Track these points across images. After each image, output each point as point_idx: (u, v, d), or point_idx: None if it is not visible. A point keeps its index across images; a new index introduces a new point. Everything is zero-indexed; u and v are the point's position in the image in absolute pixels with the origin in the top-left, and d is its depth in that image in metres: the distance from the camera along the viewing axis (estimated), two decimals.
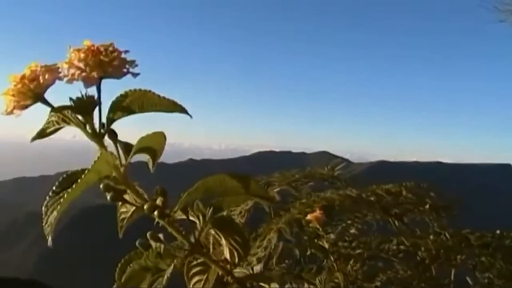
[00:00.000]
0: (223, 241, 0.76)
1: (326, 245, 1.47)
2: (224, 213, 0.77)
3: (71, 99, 0.72)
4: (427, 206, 1.48)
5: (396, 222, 1.48)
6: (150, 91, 0.73)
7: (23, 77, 0.72)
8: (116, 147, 0.72)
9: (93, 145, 0.73)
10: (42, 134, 0.74)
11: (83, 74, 0.70)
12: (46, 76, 0.72)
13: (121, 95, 0.73)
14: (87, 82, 0.70)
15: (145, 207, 0.73)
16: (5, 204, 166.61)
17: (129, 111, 0.73)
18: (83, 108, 0.72)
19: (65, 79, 0.70)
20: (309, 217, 1.46)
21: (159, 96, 0.73)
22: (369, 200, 1.48)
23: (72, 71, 0.70)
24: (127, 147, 0.73)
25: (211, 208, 0.75)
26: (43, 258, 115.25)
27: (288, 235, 1.47)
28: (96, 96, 0.73)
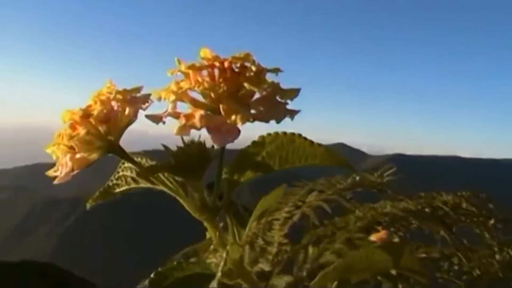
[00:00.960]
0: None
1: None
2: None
3: (167, 148, 0.51)
4: (491, 221, 1.35)
5: (448, 237, 1.33)
6: (299, 135, 0.50)
7: (87, 113, 0.49)
8: (232, 227, 0.54)
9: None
10: (107, 193, 0.58)
11: (213, 120, 0.44)
12: (127, 111, 0.50)
13: (255, 143, 0.51)
14: (224, 136, 0.45)
15: None
16: (23, 190, 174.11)
17: (264, 169, 0.52)
18: (191, 167, 0.50)
19: (165, 118, 0.47)
20: (373, 238, 1.26)
21: (311, 143, 0.50)
22: (427, 213, 1.36)
23: (187, 114, 0.46)
24: (242, 220, 0.55)
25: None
26: (62, 243, 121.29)
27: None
28: (212, 147, 0.50)
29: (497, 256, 1.32)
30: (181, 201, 0.52)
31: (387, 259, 0.57)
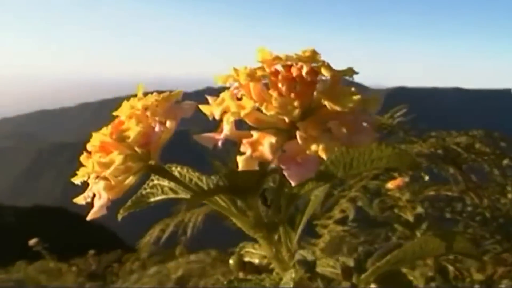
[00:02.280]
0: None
1: (411, 218, 1.31)
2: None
3: (221, 168, 0.49)
4: (505, 161, 1.41)
5: (460, 175, 1.42)
6: None
7: (122, 136, 0.45)
8: (286, 241, 0.50)
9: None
10: (140, 202, 0.57)
11: (288, 150, 0.38)
12: (168, 124, 0.47)
13: None
14: (303, 170, 0.39)
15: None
16: (29, 136, 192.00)
17: (327, 178, 0.50)
18: (247, 187, 0.47)
19: (221, 142, 0.45)
20: (390, 185, 1.34)
21: (378, 145, 0.50)
22: (440, 155, 1.40)
23: (253, 142, 0.41)
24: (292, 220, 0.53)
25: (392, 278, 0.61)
26: (69, 186, 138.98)
27: (365, 204, 1.40)
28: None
29: (510, 196, 1.35)
30: (233, 219, 0.49)
31: (440, 246, 0.58)
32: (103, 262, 4.39)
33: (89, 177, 0.51)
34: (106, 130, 0.49)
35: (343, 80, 0.46)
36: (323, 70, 0.42)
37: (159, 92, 0.52)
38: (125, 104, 0.50)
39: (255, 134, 0.42)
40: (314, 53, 0.43)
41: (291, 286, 0.48)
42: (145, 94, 0.53)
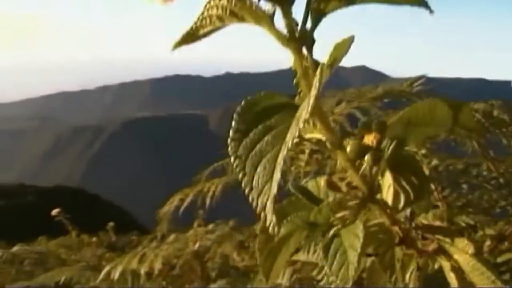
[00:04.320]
0: (388, 181, 0.62)
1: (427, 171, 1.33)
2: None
3: None
4: None
5: (478, 146, 1.39)
6: None
7: None
8: (314, 64, 0.54)
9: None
10: (192, 36, 0.56)
11: None
12: None
13: None
14: None
15: (350, 147, 0.60)
16: (50, 118, 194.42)
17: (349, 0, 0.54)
18: None
19: None
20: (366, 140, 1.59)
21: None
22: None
23: None
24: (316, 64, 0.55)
25: (393, 142, 0.60)
26: (89, 169, 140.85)
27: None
28: None
29: None
30: (266, 30, 0.52)
31: (448, 114, 0.60)
32: (121, 241, 4.49)
33: None
34: None
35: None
36: None
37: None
38: None
39: None
40: None
41: None
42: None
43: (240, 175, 0.49)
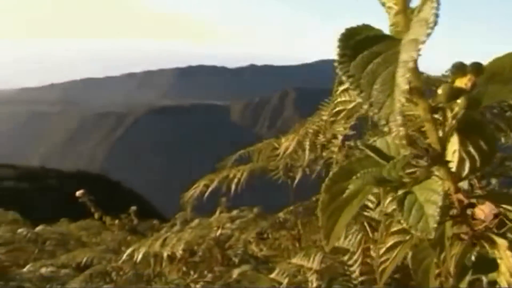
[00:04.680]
0: (454, 146, 0.61)
1: None
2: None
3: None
4: None
5: None
6: None
7: None
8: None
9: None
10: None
11: None
12: None
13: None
14: None
15: (442, 90, 0.58)
16: (74, 103, 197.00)
17: None
18: None
19: None
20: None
21: None
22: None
23: None
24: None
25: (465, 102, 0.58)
26: (111, 153, 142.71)
27: None
28: None
29: None
30: None
31: None
32: (142, 226, 4.51)
33: None
34: None
35: None
36: None
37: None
38: None
39: None
40: None
41: None
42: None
43: (356, 92, 0.53)
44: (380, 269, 0.60)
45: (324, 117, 1.37)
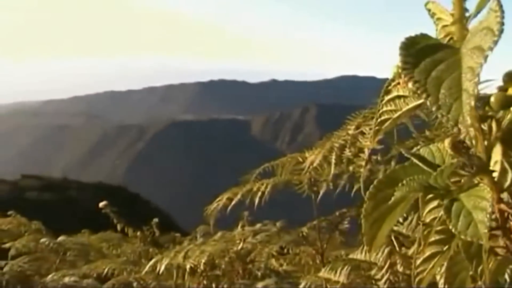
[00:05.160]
0: (496, 157, 0.61)
1: None
2: None
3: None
4: None
5: None
6: None
7: None
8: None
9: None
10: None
11: None
12: None
13: None
14: None
15: (495, 98, 0.60)
16: (96, 116, 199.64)
17: None
18: None
19: None
20: None
21: None
22: None
23: None
24: None
25: None
26: (131, 166, 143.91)
27: None
28: None
29: None
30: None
31: None
32: (163, 239, 4.51)
33: None
34: None
35: None
36: None
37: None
38: None
39: None
40: None
41: None
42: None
43: (424, 96, 0.55)
44: (417, 280, 0.60)
45: (350, 131, 1.37)
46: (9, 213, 6.01)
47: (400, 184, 0.60)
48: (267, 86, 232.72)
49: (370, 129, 1.34)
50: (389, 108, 0.68)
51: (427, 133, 1.31)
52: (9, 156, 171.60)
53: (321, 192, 1.63)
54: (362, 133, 1.38)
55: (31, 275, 3.06)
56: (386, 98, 0.67)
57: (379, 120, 0.69)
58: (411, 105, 0.65)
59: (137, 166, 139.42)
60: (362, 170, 1.28)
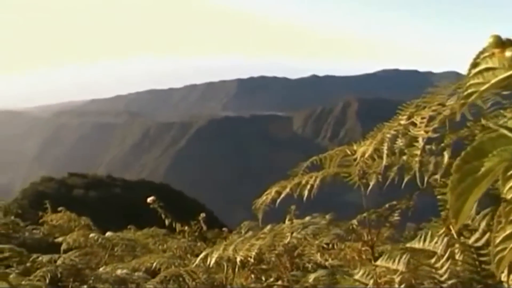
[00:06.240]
0: None
1: None
2: None
3: None
4: None
5: None
6: None
7: None
8: None
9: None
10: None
11: None
12: None
13: None
14: None
15: None
16: (139, 114, 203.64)
17: None
18: None
19: None
20: None
21: None
22: None
23: None
24: None
25: None
26: (173, 164, 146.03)
27: None
28: None
29: None
30: None
31: None
32: (209, 234, 4.56)
33: None
34: None
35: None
36: None
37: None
38: None
39: None
40: None
41: None
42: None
43: None
44: (497, 258, 0.58)
45: (402, 122, 1.35)
46: (59, 209, 6.26)
47: (490, 155, 0.59)
48: (307, 82, 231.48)
49: (423, 118, 1.31)
50: (476, 81, 0.66)
51: (483, 121, 1.28)
52: (56, 155, 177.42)
53: (371, 184, 1.62)
54: (414, 124, 1.35)
55: (82, 269, 3.16)
56: (474, 71, 0.65)
57: (465, 93, 0.67)
58: (500, 76, 0.62)
59: (179, 163, 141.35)
60: (416, 159, 1.26)
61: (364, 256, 2.74)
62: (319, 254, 2.63)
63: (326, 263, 2.75)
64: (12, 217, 5.87)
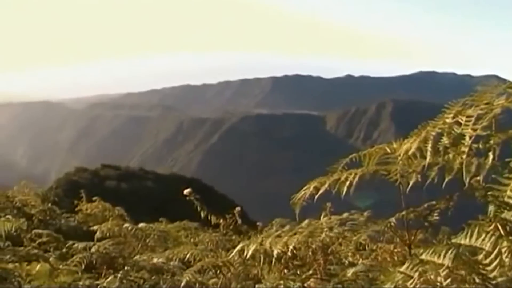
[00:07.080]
0: None
1: None
2: None
3: None
4: None
5: None
6: None
7: None
8: None
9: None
10: None
11: None
12: None
13: None
14: None
15: None
16: (173, 109, 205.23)
17: None
18: None
19: None
20: None
21: None
22: None
23: None
24: None
25: None
26: (204, 160, 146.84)
27: None
28: None
29: None
30: None
31: None
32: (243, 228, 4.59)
33: None
34: None
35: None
36: None
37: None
38: None
39: None
40: None
41: None
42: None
43: None
44: None
45: (448, 120, 1.34)
46: (94, 198, 6.43)
47: None
48: (342, 82, 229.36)
49: (469, 117, 1.30)
50: None
51: None
52: (89, 146, 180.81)
53: (411, 183, 1.60)
54: (459, 123, 1.34)
55: (115, 257, 3.23)
56: None
57: None
58: None
59: (211, 158, 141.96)
60: (463, 156, 1.24)
61: (396, 258, 2.72)
62: (350, 253, 2.63)
63: (358, 263, 2.75)
64: (49, 205, 6.05)
